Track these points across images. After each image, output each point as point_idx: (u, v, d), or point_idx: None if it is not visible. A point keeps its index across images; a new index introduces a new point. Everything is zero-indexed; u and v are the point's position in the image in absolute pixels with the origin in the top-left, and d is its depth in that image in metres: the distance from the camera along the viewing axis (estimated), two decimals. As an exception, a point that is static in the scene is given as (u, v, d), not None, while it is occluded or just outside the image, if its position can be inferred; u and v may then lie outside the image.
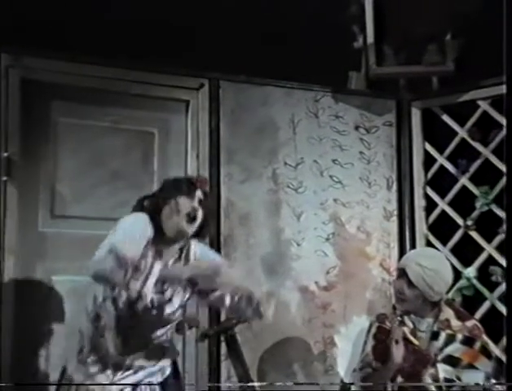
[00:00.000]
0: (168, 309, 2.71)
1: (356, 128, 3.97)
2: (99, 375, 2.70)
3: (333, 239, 3.90)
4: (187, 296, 2.80)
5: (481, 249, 3.86)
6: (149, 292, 2.67)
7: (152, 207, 2.74)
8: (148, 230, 2.61)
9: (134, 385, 2.75)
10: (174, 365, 2.93)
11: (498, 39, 3.50)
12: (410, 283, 3.20)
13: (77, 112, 3.52)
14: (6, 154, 3.30)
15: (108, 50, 3.55)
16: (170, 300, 2.73)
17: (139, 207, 2.77)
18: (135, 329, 2.71)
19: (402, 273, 3.27)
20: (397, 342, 3.12)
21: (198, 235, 2.82)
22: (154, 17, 3.68)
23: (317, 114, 3.92)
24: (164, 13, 3.69)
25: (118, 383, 2.74)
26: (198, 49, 3.70)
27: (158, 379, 2.80)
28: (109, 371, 2.69)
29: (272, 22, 3.79)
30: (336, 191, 3.91)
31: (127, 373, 2.72)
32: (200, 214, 2.74)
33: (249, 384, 2.98)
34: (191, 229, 2.73)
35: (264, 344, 3.63)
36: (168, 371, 2.86)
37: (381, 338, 3.29)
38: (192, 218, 2.72)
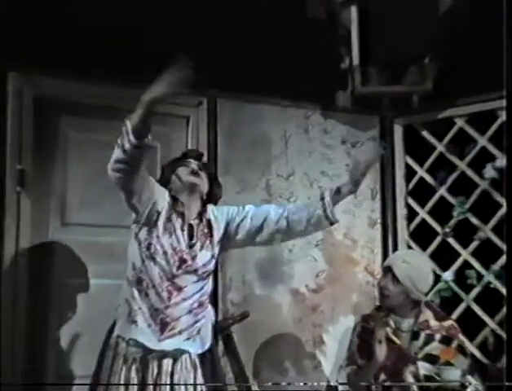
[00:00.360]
0: (200, 261, 2.70)
1: (343, 142, 3.95)
2: (149, 329, 2.66)
3: (321, 245, 3.85)
4: (216, 248, 2.80)
5: (458, 255, 3.84)
6: (182, 246, 2.67)
7: (162, 183, 2.81)
8: None
9: (153, 385, 2.67)
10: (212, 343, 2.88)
11: (472, 62, 3.55)
12: (395, 280, 3.18)
13: (85, 126, 3.49)
14: (19, 166, 3.27)
15: (113, 70, 3.42)
16: (201, 252, 2.72)
17: None
18: (175, 284, 2.68)
19: (388, 270, 3.25)
20: (380, 342, 3.10)
21: (210, 200, 2.85)
22: (157, 39, 3.53)
23: (307, 130, 3.91)
24: (166, 36, 3.53)
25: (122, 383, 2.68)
26: (197, 69, 3.70)
27: (198, 350, 2.75)
28: (157, 328, 2.65)
29: (267, 45, 3.64)
30: None
31: (173, 332, 2.67)
32: (202, 174, 2.79)
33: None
34: (198, 181, 2.77)
35: (258, 342, 3.59)
36: (208, 344, 2.79)
37: (365, 337, 3.26)
38: (195, 173, 2.78)
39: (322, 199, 2.76)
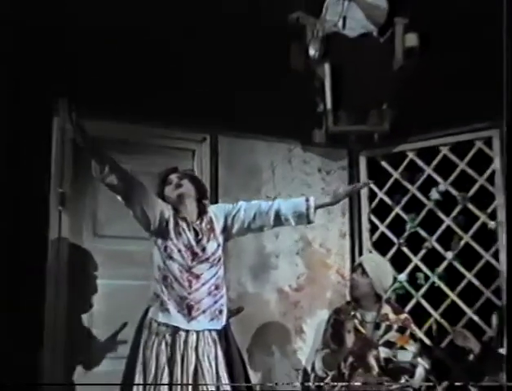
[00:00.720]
0: (209, 251, 2.85)
1: (319, 170, 4.08)
2: (179, 314, 2.78)
3: (301, 253, 3.97)
4: (220, 238, 2.92)
5: (410, 260, 3.97)
6: (192, 242, 2.82)
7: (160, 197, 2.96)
8: None
9: (164, 384, 2.73)
10: (228, 321, 2.94)
11: (419, 108, 3.80)
12: (364, 273, 3.42)
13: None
14: (61, 190, 3.44)
15: (134, 111, 3.51)
16: (208, 243, 2.86)
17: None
18: (193, 273, 2.80)
19: (358, 266, 3.50)
20: (349, 332, 3.33)
21: (201, 196, 2.98)
22: (172, 85, 3.74)
23: (290, 160, 4.03)
24: (177, 83, 3.74)
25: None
26: (203, 111, 3.73)
27: (217, 327, 2.85)
28: (185, 311, 2.78)
29: (258, 93, 3.76)
30: None
31: (198, 312, 2.79)
32: (184, 182, 2.91)
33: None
34: (178, 192, 2.89)
35: (251, 331, 3.69)
36: (224, 322, 2.88)
37: (337, 327, 3.44)
38: (177, 186, 2.92)
39: (307, 200, 2.91)
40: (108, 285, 3.49)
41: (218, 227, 2.95)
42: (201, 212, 2.96)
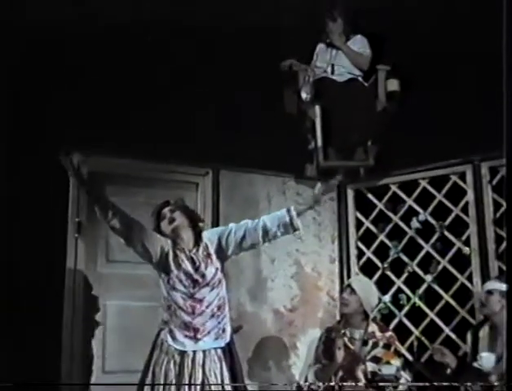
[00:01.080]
0: (208, 276, 2.92)
1: None
2: (186, 339, 2.89)
3: (295, 276, 4.08)
4: (217, 263, 2.96)
5: (393, 283, 4.10)
6: (191, 271, 2.89)
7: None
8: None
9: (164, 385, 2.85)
10: (231, 338, 3.01)
11: (401, 145, 3.98)
12: (352, 291, 3.56)
13: (122, 192, 3.70)
14: (77, 219, 3.60)
15: (143, 149, 3.69)
16: (206, 269, 2.92)
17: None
18: (195, 299, 2.89)
19: (347, 286, 3.63)
20: (339, 348, 3.41)
21: (195, 223, 3.03)
22: (179, 124, 3.86)
23: (284, 192, 4.15)
24: (183, 123, 3.88)
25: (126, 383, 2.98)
26: (206, 148, 3.88)
27: (221, 344, 2.94)
28: (192, 334, 2.88)
29: (256, 132, 3.94)
30: (297, 244, 4.06)
31: (204, 333, 2.90)
32: (176, 216, 2.95)
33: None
34: (172, 227, 2.94)
35: (250, 347, 3.79)
36: (228, 339, 2.97)
37: (328, 344, 3.53)
38: (170, 222, 2.96)
39: (288, 211, 2.94)
40: (120, 306, 3.65)
41: (214, 251, 3.00)
42: (197, 240, 3.01)
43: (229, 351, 2.98)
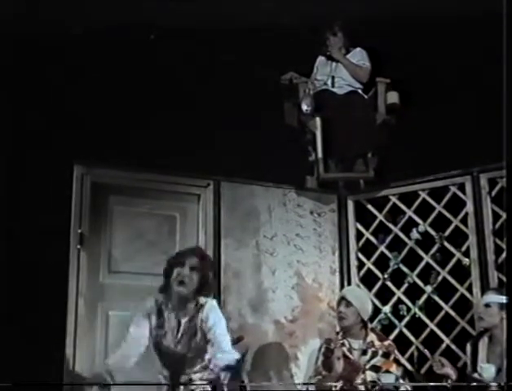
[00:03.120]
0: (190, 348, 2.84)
1: (311, 213, 4.17)
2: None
3: (296, 287, 4.06)
4: (198, 337, 2.83)
5: (393, 294, 4.08)
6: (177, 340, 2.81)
7: (163, 285, 2.88)
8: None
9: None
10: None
11: (402, 157, 4.00)
12: (348, 303, 3.54)
13: (125, 202, 3.78)
14: (80, 230, 3.57)
15: (145, 160, 3.71)
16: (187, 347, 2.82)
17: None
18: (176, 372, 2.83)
19: (342, 299, 3.60)
20: (338, 358, 3.44)
21: (200, 291, 2.81)
22: (180, 137, 3.87)
23: (285, 203, 4.13)
24: (186, 134, 3.89)
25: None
26: (207, 160, 3.89)
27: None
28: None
29: (257, 145, 3.96)
30: (298, 255, 4.10)
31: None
32: (192, 277, 2.75)
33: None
34: (182, 290, 2.74)
35: (250, 358, 3.71)
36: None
37: (327, 355, 3.54)
38: (180, 282, 2.76)
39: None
40: (122, 316, 3.56)
41: (201, 330, 2.83)
42: (197, 310, 2.84)
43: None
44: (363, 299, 3.62)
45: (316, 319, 4.09)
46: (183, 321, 2.82)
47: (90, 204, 3.65)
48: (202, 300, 2.83)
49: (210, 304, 2.85)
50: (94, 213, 3.66)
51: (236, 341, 3.39)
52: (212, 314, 2.85)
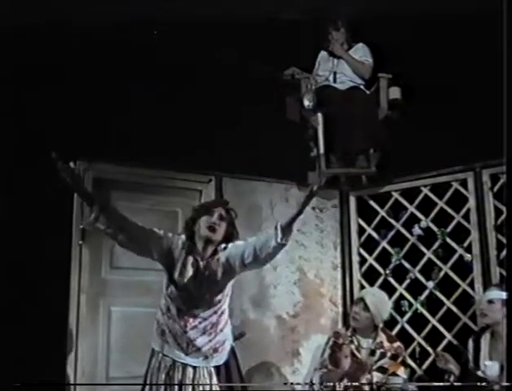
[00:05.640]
0: (209, 297, 2.77)
1: (313, 208, 4.13)
2: (177, 349, 2.79)
3: (298, 283, 4.05)
4: (221, 286, 2.79)
5: (395, 289, 4.05)
6: (192, 290, 2.73)
7: (187, 228, 2.83)
8: None
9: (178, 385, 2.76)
10: (233, 350, 2.91)
11: (405, 153, 3.93)
12: (366, 308, 3.53)
13: (127, 198, 3.72)
14: (81, 226, 3.49)
15: (147, 156, 3.63)
16: (209, 289, 2.76)
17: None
18: (191, 314, 2.76)
19: (360, 300, 3.59)
20: (346, 356, 3.38)
21: (225, 241, 2.81)
22: (182, 132, 3.80)
23: (287, 199, 4.11)
24: (187, 131, 3.82)
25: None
26: (209, 156, 3.84)
27: (212, 365, 2.82)
28: (184, 345, 2.78)
29: (259, 140, 3.89)
30: (300, 250, 4.06)
31: (194, 349, 2.79)
32: (221, 225, 2.76)
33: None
34: (211, 235, 2.74)
35: (252, 353, 3.69)
36: (223, 360, 2.86)
37: (335, 349, 3.50)
38: (210, 228, 2.75)
39: (275, 228, 2.68)
40: (124, 312, 3.63)
41: (223, 269, 2.81)
42: (213, 253, 2.82)
43: (226, 367, 2.88)
44: (381, 305, 3.58)
45: (318, 314, 4.07)
46: (204, 262, 2.80)
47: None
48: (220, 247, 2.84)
49: (227, 246, 2.85)
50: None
51: (237, 337, 3.37)
52: (231, 248, 2.85)
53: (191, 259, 2.80)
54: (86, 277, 3.57)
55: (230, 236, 2.85)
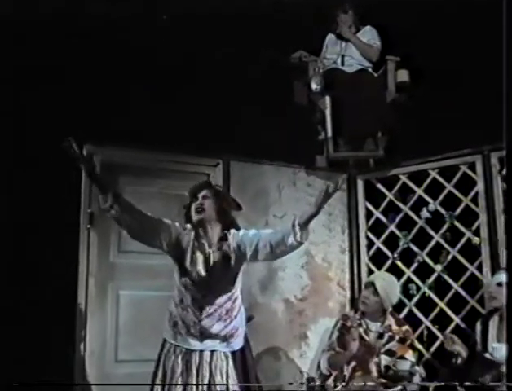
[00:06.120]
0: (223, 282, 2.75)
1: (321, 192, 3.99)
2: (191, 338, 2.77)
3: (306, 266, 4.02)
4: (234, 270, 2.77)
5: (403, 273, 4.02)
6: (205, 277, 2.73)
7: (186, 216, 2.84)
8: None
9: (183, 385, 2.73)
10: (246, 335, 2.91)
11: (413, 136, 3.90)
12: (375, 292, 3.51)
13: (134, 182, 3.70)
14: (89, 210, 3.54)
15: (155, 140, 3.62)
16: (221, 273, 2.74)
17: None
18: (205, 300, 2.74)
19: (370, 285, 3.57)
20: (354, 339, 3.36)
21: (223, 216, 2.80)
22: (187, 112, 3.78)
23: (295, 183, 4.09)
24: (194, 114, 3.79)
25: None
26: (217, 139, 3.79)
27: (229, 350, 2.82)
28: (198, 334, 2.77)
29: (267, 123, 3.84)
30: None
31: (209, 335, 2.77)
32: (205, 204, 2.75)
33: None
34: (204, 216, 2.73)
35: (260, 337, 3.65)
36: (239, 346, 2.86)
37: (343, 332, 3.50)
38: (196, 210, 2.76)
39: (293, 226, 2.63)
40: (133, 296, 3.62)
41: (235, 254, 2.79)
42: (223, 237, 2.80)
43: (241, 352, 2.88)
44: (391, 290, 3.56)
45: (326, 298, 4.06)
46: (214, 248, 2.79)
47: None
48: (229, 232, 2.82)
49: (237, 232, 2.82)
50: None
51: (246, 320, 3.30)
52: (240, 233, 2.83)
53: (200, 246, 2.79)
54: (94, 261, 3.56)
55: (223, 212, 2.82)
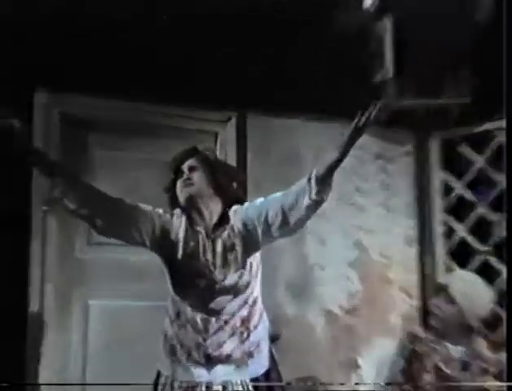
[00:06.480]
0: (231, 277, 2.38)
1: (378, 157, 3.66)
2: (193, 367, 2.37)
3: (356, 264, 3.60)
4: (246, 260, 2.44)
5: (499, 274, 3.49)
6: (205, 271, 2.39)
7: (171, 199, 2.47)
8: None
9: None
10: (271, 354, 2.53)
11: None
12: (450, 299, 2.95)
13: (113, 144, 3.28)
14: (44, 207, 3.05)
15: (143, 86, 3.22)
16: (228, 266, 2.40)
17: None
18: (211, 310, 2.38)
19: (441, 289, 3.05)
20: (427, 371, 2.87)
21: (222, 191, 2.47)
22: (186, 53, 3.35)
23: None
24: (195, 50, 3.32)
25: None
26: (227, 85, 3.31)
27: (252, 376, 2.40)
28: (203, 359, 2.35)
29: (296, 60, 3.37)
30: (359, 218, 3.63)
31: (220, 359, 2.37)
32: (197, 176, 2.42)
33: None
34: (194, 191, 2.38)
35: (290, 363, 2.96)
36: (264, 367, 2.44)
37: (411, 360, 3.00)
38: (186, 184, 2.41)
39: (309, 179, 2.29)
40: (106, 306, 3.18)
41: (243, 238, 2.41)
42: (223, 218, 2.44)
43: (266, 378, 2.44)
44: (475, 297, 2.96)
45: (385, 310, 3.59)
46: (214, 234, 2.41)
47: (60, 145, 3.09)
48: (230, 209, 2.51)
49: (240, 207, 2.46)
50: (66, 158, 3.06)
51: (271, 340, 2.80)
52: (243, 207, 2.45)
53: (194, 235, 2.39)
54: (52, 258, 3.07)
55: (220, 185, 2.44)
